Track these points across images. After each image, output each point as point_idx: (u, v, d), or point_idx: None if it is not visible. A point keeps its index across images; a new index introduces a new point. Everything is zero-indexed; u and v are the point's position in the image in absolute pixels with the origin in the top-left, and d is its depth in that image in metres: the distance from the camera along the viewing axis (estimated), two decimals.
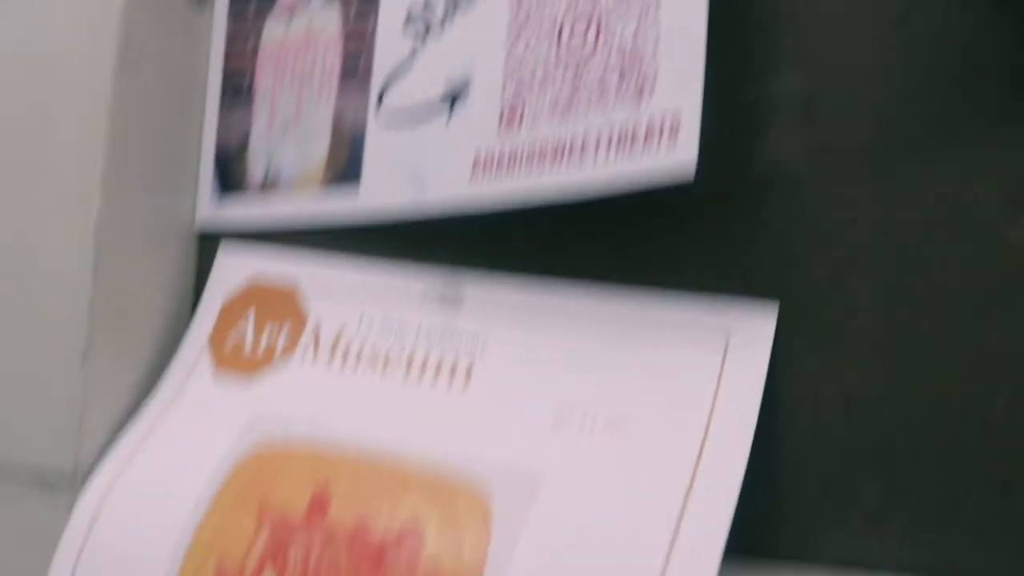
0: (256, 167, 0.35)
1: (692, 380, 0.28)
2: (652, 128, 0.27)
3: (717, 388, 0.28)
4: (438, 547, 0.27)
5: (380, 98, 0.32)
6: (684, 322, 0.29)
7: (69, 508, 0.32)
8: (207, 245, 0.37)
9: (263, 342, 0.34)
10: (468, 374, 0.31)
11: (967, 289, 0.27)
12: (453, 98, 0.30)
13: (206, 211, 0.36)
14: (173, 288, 0.36)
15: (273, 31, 0.36)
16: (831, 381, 0.28)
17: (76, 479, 0.33)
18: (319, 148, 0.34)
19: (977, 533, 0.26)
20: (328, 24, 0.34)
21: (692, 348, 0.29)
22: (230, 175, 0.36)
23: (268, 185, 0.35)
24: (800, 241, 0.29)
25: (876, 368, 0.27)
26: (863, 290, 0.28)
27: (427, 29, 0.31)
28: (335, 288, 0.34)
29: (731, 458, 0.27)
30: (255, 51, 0.36)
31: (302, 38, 0.35)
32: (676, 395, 0.28)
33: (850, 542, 0.28)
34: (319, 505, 0.29)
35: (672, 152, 0.26)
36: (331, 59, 0.34)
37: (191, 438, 0.32)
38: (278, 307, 0.34)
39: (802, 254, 0.29)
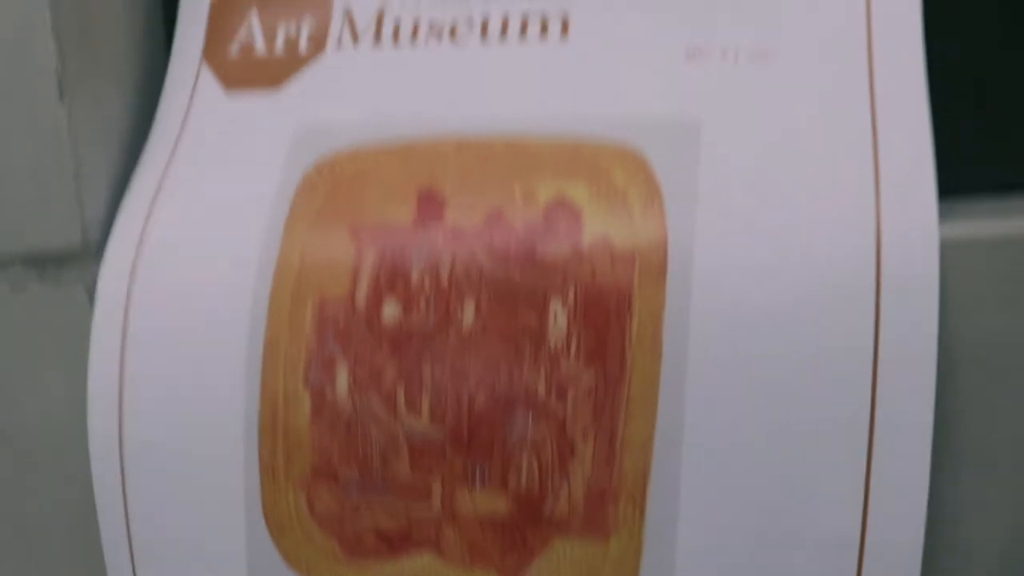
0: None
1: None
2: None
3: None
4: (603, 224, 0.22)
5: None
6: None
7: (88, 291, 0.26)
8: None
9: (279, 43, 0.27)
10: (564, 24, 0.25)
11: None
12: None
13: None
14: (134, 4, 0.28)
15: None
16: None
17: (87, 253, 0.26)
18: None
19: None
20: None
21: None
22: None
23: None
24: None
25: None
26: None
27: None
28: None
29: (909, 75, 0.22)
30: None
31: None
32: (828, 15, 0.23)
33: None
34: (431, 204, 0.23)
35: None
36: None
37: (222, 172, 0.26)
38: None
39: None
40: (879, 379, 0.20)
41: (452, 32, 0.26)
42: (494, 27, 0.25)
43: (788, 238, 0.21)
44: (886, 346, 0.20)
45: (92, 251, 0.26)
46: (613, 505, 0.21)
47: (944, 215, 0.21)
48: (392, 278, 0.23)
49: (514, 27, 0.25)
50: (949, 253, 0.20)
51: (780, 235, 0.21)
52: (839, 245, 0.21)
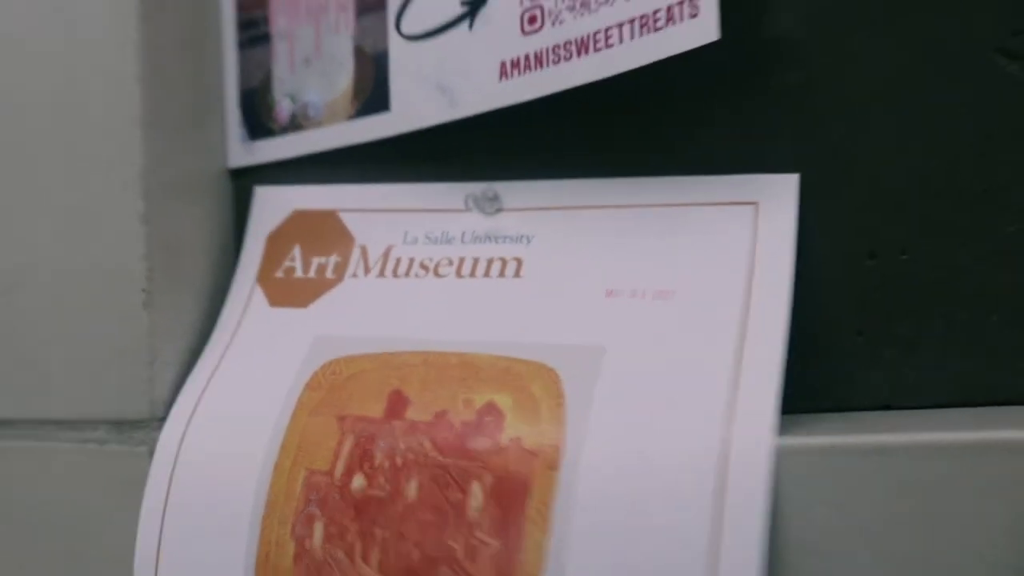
0: (282, 106, 0.37)
1: (728, 251, 0.30)
2: (672, 11, 0.28)
3: (753, 255, 0.30)
4: (518, 426, 0.29)
5: (399, 16, 0.34)
6: (714, 199, 0.31)
7: (150, 451, 0.34)
8: (241, 187, 0.38)
9: (312, 271, 0.35)
10: (518, 267, 0.33)
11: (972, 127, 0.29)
12: (473, 6, 0.32)
13: (236, 154, 0.38)
14: (216, 231, 0.37)
15: None
16: (855, 235, 0.30)
17: (153, 422, 0.34)
18: (343, 77, 0.35)
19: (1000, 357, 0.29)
20: None
21: (724, 222, 0.31)
22: (257, 117, 0.37)
23: (296, 123, 0.36)
24: (813, 107, 0.30)
25: (896, 217, 0.30)
26: (878, 144, 0.30)
27: None
28: (377, 210, 0.35)
29: (774, 316, 0.29)
30: None
31: None
32: (716, 266, 0.30)
33: (887, 378, 0.30)
34: (396, 405, 0.31)
35: (694, 25, 0.28)
36: None
37: (258, 368, 0.34)
38: (322, 236, 0.36)
39: (816, 118, 0.30)
40: (719, 557, 0.26)
41: (436, 269, 0.34)
42: (467, 266, 0.33)
43: (650, 443, 0.27)
44: (725, 535, 0.26)
45: (157, 421, 0.34)
46: None
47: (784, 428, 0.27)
48: (362, 458, 0.30)
49: (481, 267, 0.33)
50: (785, 459, 0.26)
51: (645, 439, 0.27)
52: (687, 451, 0.27)
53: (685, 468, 0.27)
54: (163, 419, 0.34)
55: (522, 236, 0.33)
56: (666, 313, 0.30)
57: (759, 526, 0.26)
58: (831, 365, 0.30)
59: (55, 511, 0.36)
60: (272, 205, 0.37)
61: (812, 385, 0.30)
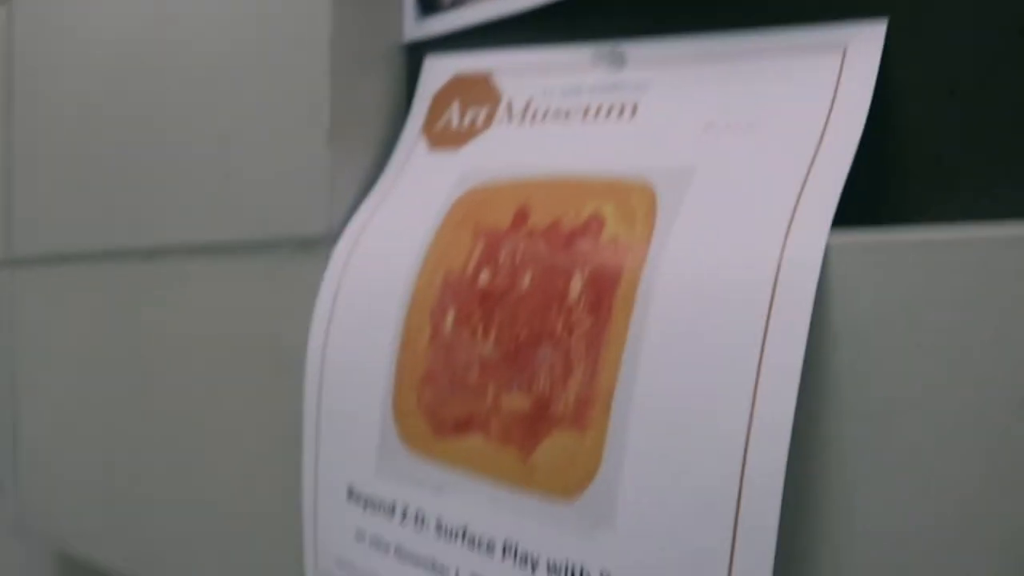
0: None
1: (813, 90, 0.33)
2: None
3: (835, 94, 0.33)
4: (616, 228, 0.33)
5: None
6: (805, 44, 0.34)
7: (324, 263, 0.41)
8: (413, 58, 0.45)
9: (466, 122, 0.42)
10: (634, 110, 0.37)
11: None
12: None
13: (410, 29, 0.44)
14: (390, 94, 0.44)
15: None
16: (934, 73, 0.33)
17: (329, 240, 0.42)
18: None
19: None
20: None
21: (813, 66, 0.34)
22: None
23: (458, 1, 0.43)
24: None
25: (976, 55, 0.32)
26: None
27: None
28: (522, 70, 0.41)
29: (844, 146, 0.32)
30: None
31: None
32: (801, 103, 0.33)
33: (962, 206, 0.32)
34: (521, 217, 0.36)
35: None
36: None
37: (416, 196, 0.40)
38: (476, 94, 0.42)
39: None
40: (767, 339, 0.29)
41: (566, 115, 0.39)
42: (591, 112, 0.38)
43: (720, 243, 0.31)
44: (773, 320, 0.30)
45: (333, 239, 0.41)
46: (591, 409, 0.32)
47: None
48: (489, 259, 0.36)
49: (604, 112, 0.38)
50: (838, 257, 0.29)
51: (717, 241, 0.31)
52: (751, 247, 0.30)
53: (746, 263, 0.30)
54: (337, 238, 0.41)
55: (639, 85, 0.38)
56: (752, 143, 0.34)
57: (805, 318, 0.29)
58: (908, 188, 0.33)
59: (253, 319, 0.44)
60: (437, 71, 0.43)
61: (888, 210, 0.33)
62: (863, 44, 0.33)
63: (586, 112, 0.38)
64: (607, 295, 0.33)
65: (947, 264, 0.28)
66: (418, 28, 0.44)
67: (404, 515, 0.37)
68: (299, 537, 0.43)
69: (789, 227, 0.30)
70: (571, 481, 0.32)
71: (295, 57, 0.43)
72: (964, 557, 0.27)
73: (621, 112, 0.38)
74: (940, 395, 0.27)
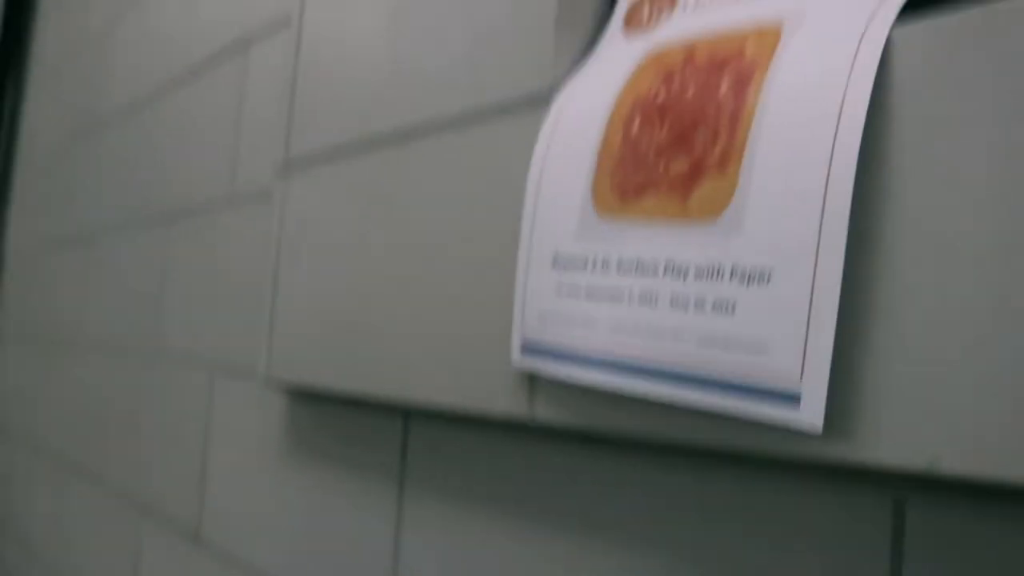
0: None
1: None
2: None
3: None
4: (753, 52, 0.48)
5: None
6: None
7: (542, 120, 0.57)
8: None
9: (655, 14, 0.57)
10: None
11: None
12: None
13: None
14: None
15: None
16: None
17: (549, 97, 0.58)
18: None
19: None
20: None
21: None
22: None
23: None
24: None
25: None
26: None
27: None
28: None
29: None
30: None
31: None
32: None
33: None
34: (689, 57, 0.51)
35: None
36: None
37: (616, 60, 0.56)
38: None
39: None
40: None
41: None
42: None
43: (817, 62, 0.45)
44: (845, 106, 0.43)
45: (549, 98, 0.58)
46: (730, 157, 0.46)
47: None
48: (666, 84, 0.51)
49: None
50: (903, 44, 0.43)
51: (815, 60, 0.45)
52: (833, 66, 0.44)
53: (830, 68, 0.44)
54: (551, 99, 0.58)
55: None
56: None
57: (863, 105, 0.43)
58: None
59: (481, 174, 0.60)
60: None
61: None
62: None
63: None
64: (743, 88, 0.47)
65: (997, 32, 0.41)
66: None
67: (593, 264, 0.52)
68: (510, 313, 0.58)
69: (859, 45, 0.44)
70: (715, 207, 0.46)
71: None
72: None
73: None
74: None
